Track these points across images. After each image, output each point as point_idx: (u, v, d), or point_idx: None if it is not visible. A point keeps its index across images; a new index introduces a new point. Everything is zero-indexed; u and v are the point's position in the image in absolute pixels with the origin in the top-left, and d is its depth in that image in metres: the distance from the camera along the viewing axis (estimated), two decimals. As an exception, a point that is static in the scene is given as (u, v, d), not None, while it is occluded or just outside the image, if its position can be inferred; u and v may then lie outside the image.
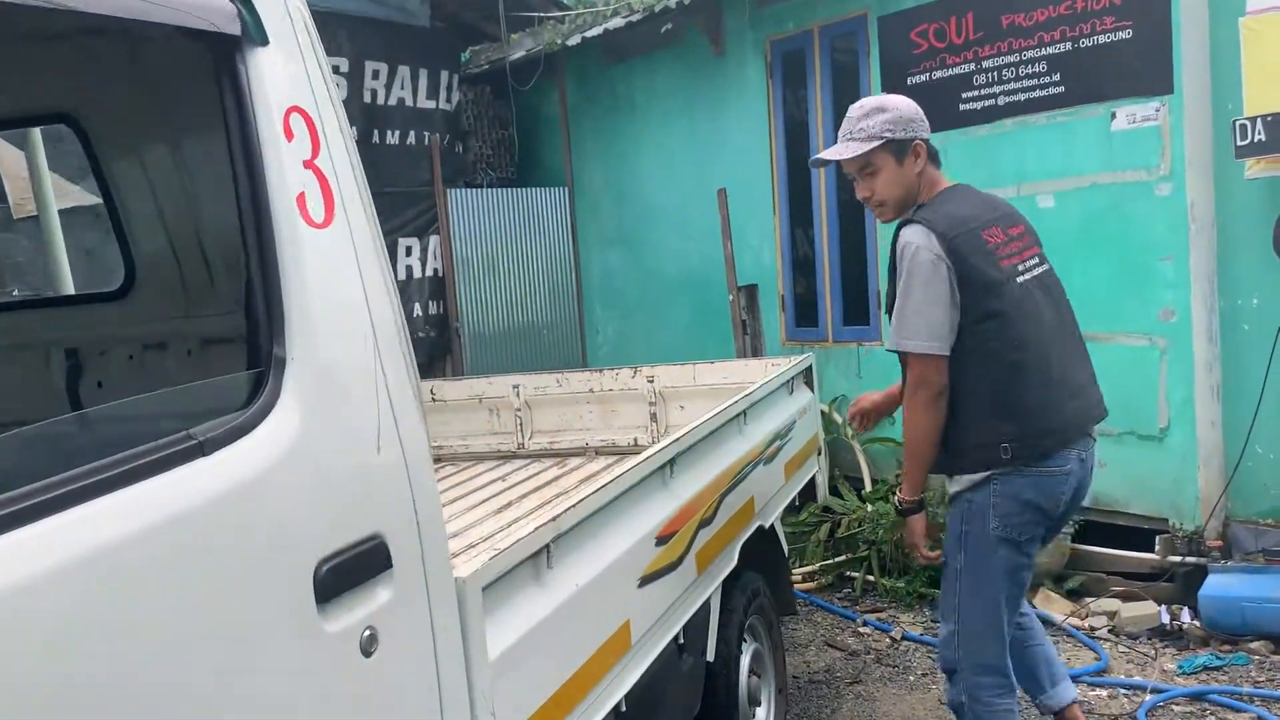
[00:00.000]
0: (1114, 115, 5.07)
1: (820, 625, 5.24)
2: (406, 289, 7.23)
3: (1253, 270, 4.83)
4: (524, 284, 7.81)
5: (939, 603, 3.15)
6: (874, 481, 6.23)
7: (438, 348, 7.36)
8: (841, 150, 2.99)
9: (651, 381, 4.81)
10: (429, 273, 7.38)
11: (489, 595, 1.90)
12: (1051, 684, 3.32)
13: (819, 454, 4.59)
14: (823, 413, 6.48)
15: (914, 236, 2.82)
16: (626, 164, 7.78)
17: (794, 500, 6.71)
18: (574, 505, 2.23)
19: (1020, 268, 2.90)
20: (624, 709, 2.47)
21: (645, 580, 2.56)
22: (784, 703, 3.82)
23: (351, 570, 1.52)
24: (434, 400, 5.04)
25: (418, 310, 7.30)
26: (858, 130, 2.95)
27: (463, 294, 7.45)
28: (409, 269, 7.28)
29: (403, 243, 7.24)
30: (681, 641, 2.88)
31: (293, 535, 1.45)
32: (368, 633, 1.54)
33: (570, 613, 2.17)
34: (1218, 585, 4.51)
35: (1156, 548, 4.93)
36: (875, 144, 2.92)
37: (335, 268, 1.62)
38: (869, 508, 5.91)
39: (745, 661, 3.48)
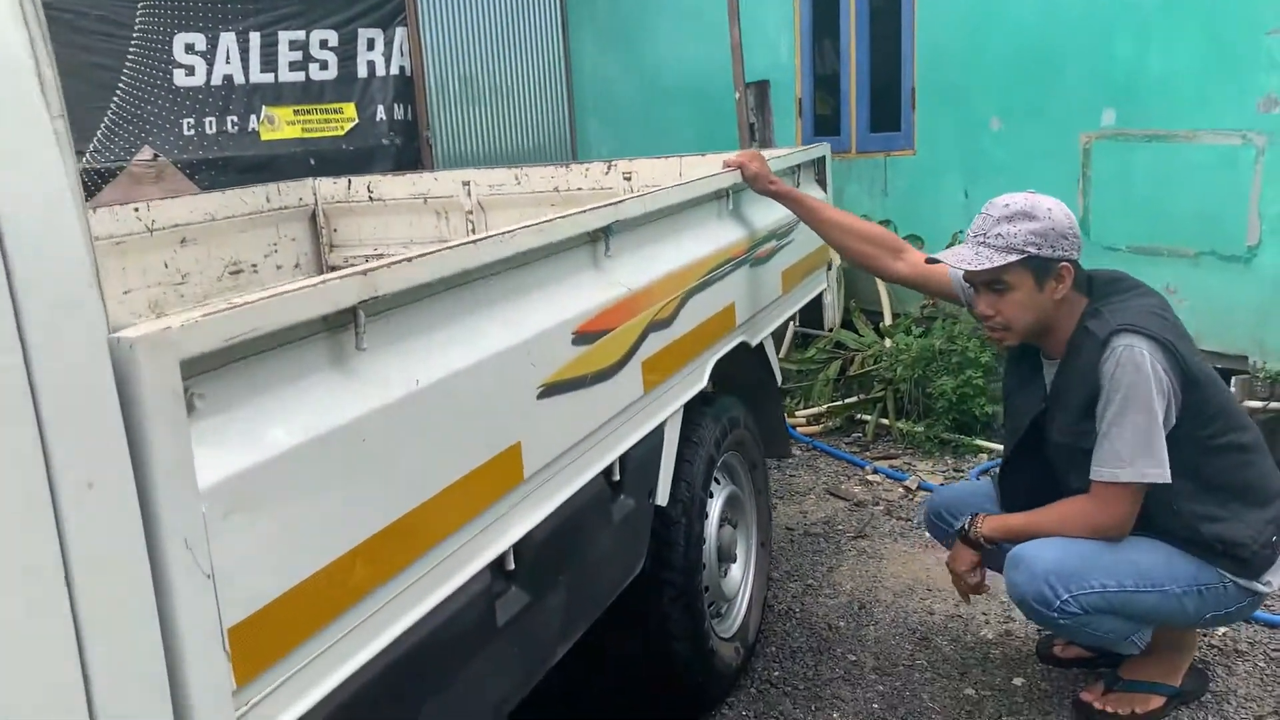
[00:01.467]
0: None
1: (823, 472, 4.52)
2: (368, 88, 6.31)
3: (1384, 49, 3.86)
4: (507, 88, 6.84)
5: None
6: (895, 316, 5.41)
7: (405, 157, 6.48)
8: (970, 257, 2.38)
9: (629, 179, 3.96)
10: (394, 71, 6.43)
11: (213, 382, 1.12)
12: None
13: (829, 270, 3.75)
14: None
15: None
16: (626, -52, 6.72)
17: (799, 333, 5.99)
18: (409, 259, 1.43)
19: None
20: (513, 566, 1.73)
21: (550, 390, 1.78)
22: (766, 558, 3.10)
23: None
24: (371, 200, 4.22)
25: (381, 113, 6.39)
26: (994, 237, 2.36)
27: (434, 96, 6.51)
28: (370, 65, 6.34)
29: (363, 34, 6.29)
30: (617, 479, 2.13)
31: None
32: None
33: (400, 423, 1.39)
34: (1307, 435, 3.71)
35: (1232, 390, 4.10)
36: (1013, 258, 2.34)
37: None
38: (887, 343, 5.11)
39: (716, 509, 2.74)
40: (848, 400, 5.08)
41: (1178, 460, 2.34)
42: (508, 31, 6.75)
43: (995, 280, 2.38)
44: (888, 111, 5.48)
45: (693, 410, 2.66)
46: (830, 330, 5.11)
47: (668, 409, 2.32)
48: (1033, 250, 2.34)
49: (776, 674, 2.91)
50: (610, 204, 2.03)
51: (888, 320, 5.35)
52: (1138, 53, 4.33)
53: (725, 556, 2.79)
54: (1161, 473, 2.29)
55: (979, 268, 2.36)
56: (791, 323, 5.75)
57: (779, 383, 3.24)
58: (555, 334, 1.80)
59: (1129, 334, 2.31)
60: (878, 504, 4.11)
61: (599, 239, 2.03)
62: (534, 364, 1.72)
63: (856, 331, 5.39)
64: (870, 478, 4.40)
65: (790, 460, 4.67)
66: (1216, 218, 4.15)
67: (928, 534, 3.09)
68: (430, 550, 1.47)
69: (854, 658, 2.97)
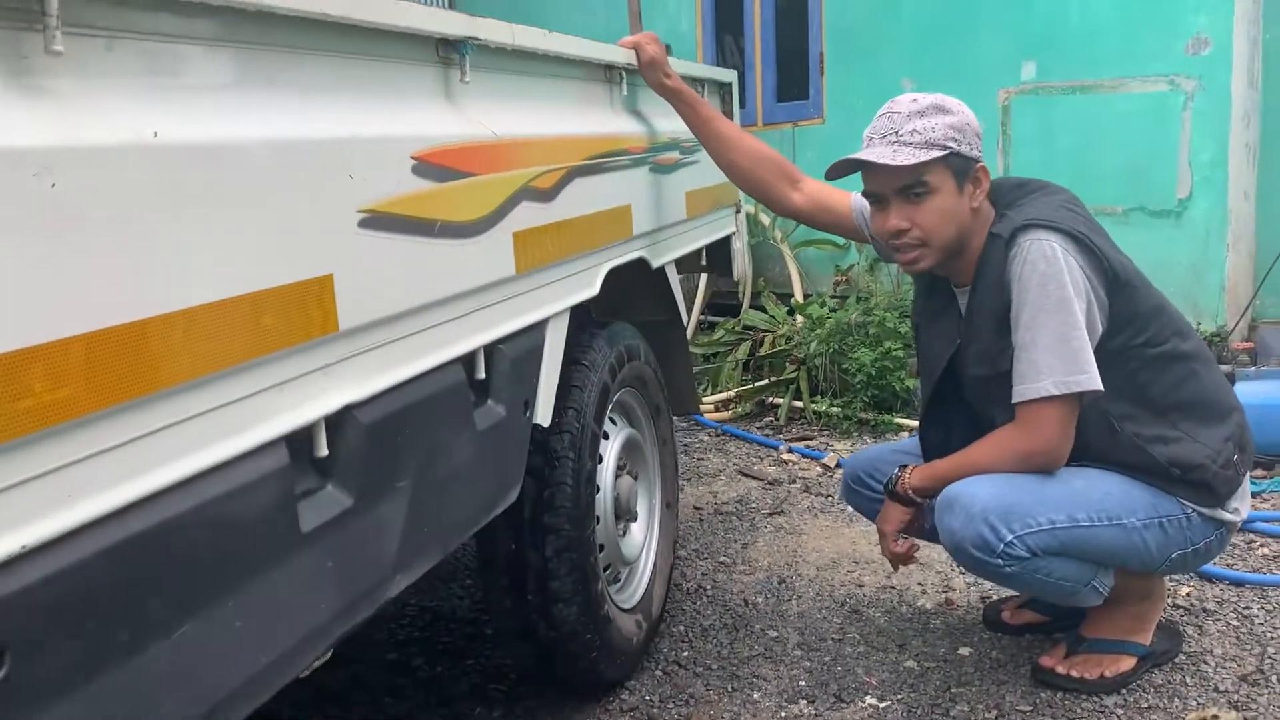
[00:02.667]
0: None
1: (734, 455, 4.11)
2: None
3: (1312, -12, 3.68)
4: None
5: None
6: (806, 295, 5.06)
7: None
8: (889, 154, 2.00)
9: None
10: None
11: None
12: None
13: (738, 212, 3.36)
14: (747, 214, 5.27)
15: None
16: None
17: (705, 320, 5.61)
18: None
19: None
20: (325, 452, 1.26)
21: (380, 222, 1.32)
22: (672, 522, 2.66)
23: None
24: None
25: None
26: (909, 133, 2.01)
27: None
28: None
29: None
30: (482, 376, 1.67)
31: None
32: None
33: (122, 183, 0.92)
34: (1249, 394, 3.43)
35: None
36: (935, 154, 1.99)
37: None
38: (799, 320, 4.75)
39: (612, 453, 2.30)
40: (758, 384, 4.70)
41: (1116, 377, 2.00)
42: None
43: (915, 184, 2.02)
44: (795, 79, 5.17)
45: (584, 329, 2.24)
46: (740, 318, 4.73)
47: (549, 306, 1.87)
48: (953, 145, 2.00)
49: (686, 654, 2.46)
50: (465, 15, 1.58)
51: (799, 298, 5.00)
52: (1057, 0, 4.10)
53: (624, 512, 2.34)
54: (1089, 379, 1.93)
55: (903, 163, 1.98)
56: (694, 307, 5.38)
57: (684, 320, 2.82)
58: (385, 148, 1.35)
59: (1036, 229, 1.98)
60: (794, 482, 3.71)
61: (452, 61, 1.59)
62: (353, 175, 1.26)
63: (766, 312, 5.03)
64: (785, 457, 4.00)
65: (697, 445, 4.25)
66: (1145, 171, 3.91)
67: (849, 507, 2.69)
68: (182, 387, 1.00)
69: (775, 634, 2.54)
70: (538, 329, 1.85)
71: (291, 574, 1.18)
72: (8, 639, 0.84)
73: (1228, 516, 2.09)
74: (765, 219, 5.24)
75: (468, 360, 1.61)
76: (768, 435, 4.31)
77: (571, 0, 6.06)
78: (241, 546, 1.11)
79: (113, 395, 0.92)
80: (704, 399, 4.74)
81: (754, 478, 3.79)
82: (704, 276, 5.26)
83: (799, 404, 4.50)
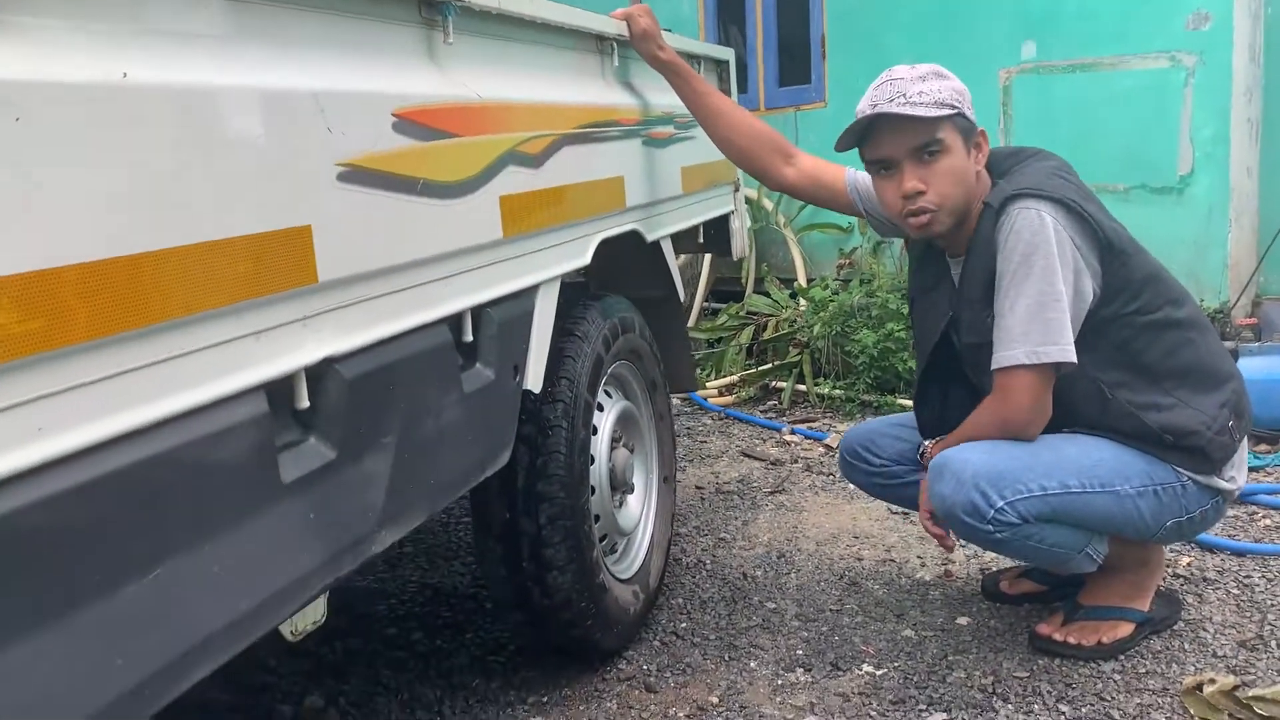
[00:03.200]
0: None
1: (736, 437, 4.10)
2: None
3: (1314, -39, 3.65)
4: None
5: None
6: (809, 279, 5.05)
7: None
8: (909, 109, 1.97)
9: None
10: None
11: None
12: None
13: (736, 191, 3.36)
14: (749, 199, 5.27)
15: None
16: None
17: (708, 307, 5.60)
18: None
19: None
20: (306, 404, 1.26)
21: (360, 176, 1.32)
22: (670, 496, 2.66)
23: None
24: None
25: None
26: (917, 94, 1.99)
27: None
28: None
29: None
30: (469, 339, 1.67)
31: None
32: None
33: (91, 118, 0.93)
34: (1254, 369, 3.42)
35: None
36: (946, 112, 1.98)
37: None
38: (801, 305, 4.74)
39: (607, 424, 2.30)
40: (762, 368, 4.69)
41: (1108, 345, 1.99)
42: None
43: (930, 141, 2.01)
44: (797, 63, 5.16)
45: (576, 299, 2.24)
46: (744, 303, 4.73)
47: (538, 272, 1.88)
48: (959, 107, 2.00)
49: (684, 625, 2.46)
50: (450, -22, 1.59)
51: (802, 283, 4.99)
52: (1059, -27, 4.08)
53: (620, 484, 2.35)
54: (1061, 350, 1.92)
55: (924, 115, 1.97)
56: (698, 292, 5.37)
57: (681, 298, 2.82)
58: (365, 103, 1.35)
59: (1025, 198, 1.96)
60: (796, 462, 3.70)
61: (435, 23, 1.59)
62: (331, 129, 1.27)
63: (769, 297, 5.02)
64: (788, 438, 4.00)
65: (701, 428, 4.26)
66: (1146, 148, 3.89)
67: (848, 482, 2.68)
68: (156, 327, 1.00)
69: (773, 605, 2.54)
70: (527, 295, 1.85)
71: (271, 522, 1.19)
72: (-22, 568, 0.85)
73: (1223, 484, 2.07)
74: (768, 203, 5.23)
75: (455, 321, 1.61)
76: (771, 418, 4.31)
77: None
78: (220, 491, 1.11)
79: (85, 331, 0.92)
80: (708, 384, 4.74)
81: (756, 458, 3.78)
82: (707, 261, 5.26)
83: (802, 387, 4.50)
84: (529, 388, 1.87)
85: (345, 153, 1.30)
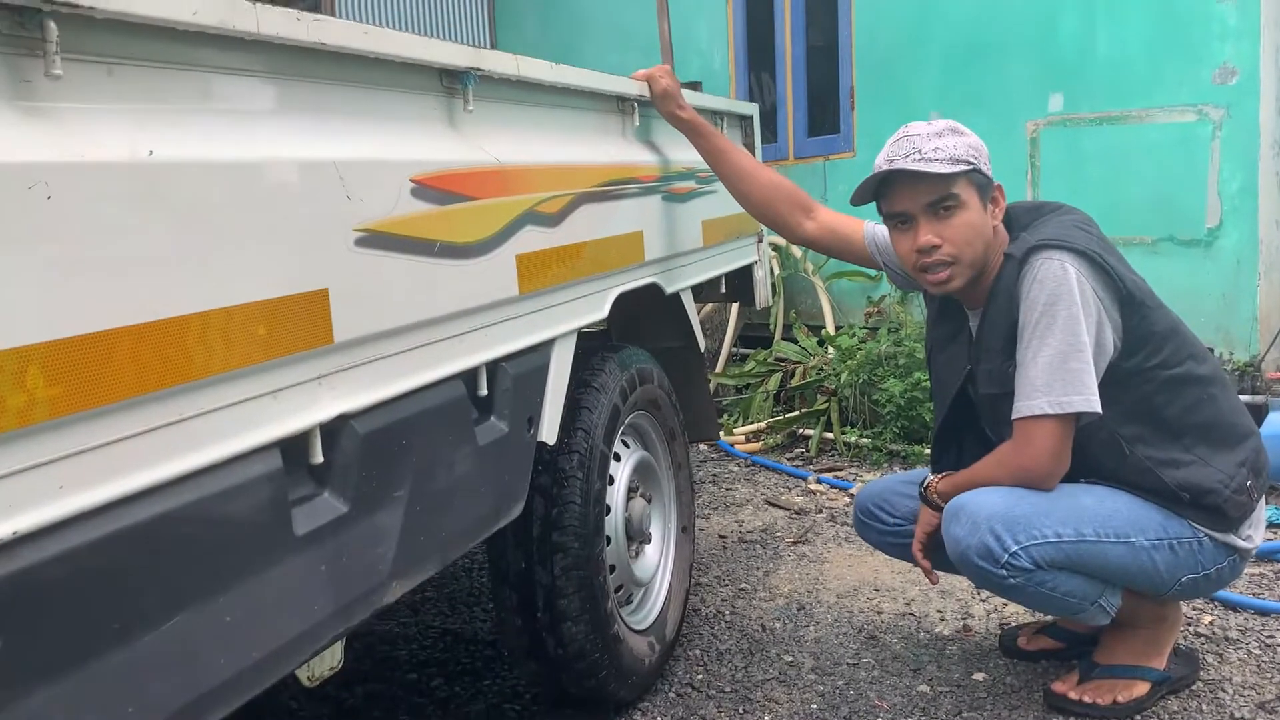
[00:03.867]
0: None
1: (762, 485, 4.12)
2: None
3: (1341, 16, 3.65)
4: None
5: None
6: (838, 327, 5.07)
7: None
8: (922, 165, 2.02)
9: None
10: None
11: None
12: None
13: (759, 242, 3.41)
14: (778, 246, 5.31)
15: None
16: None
17: (736, 352, 5.63)
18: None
19: None
20: (320, 459, 1.31)
21: (377, 241, 1.38)
22: (688, 545, 2.68)
23: None
24: None
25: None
26: (932, 150, 2.03)
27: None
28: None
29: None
30: (484, 393, 1.72)
31: None
32: None
33: (124, 199, 0.99)
34: (1283, 423, 3.39)
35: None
36: (962, 168, 2.02)
37: None
38: (830, 352, 4.76)
39: (624, 474, 2.33)
40: (789, 415, 4.71)
41: (1129, 399, 2.00)
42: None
43: (945, 197, 2.04)
44: (827, 114, 5.23)
45: (594, 351, 2.29)
46: (773, 349, 4.76)
47: (554, 327, 1.93)
48: (975, 162, 2.03)
49: (700, 677, 2.47)
50: (470, 47, 1.66)
51: (830, 330, 5.01)
52: (1084, 31, 4.11)
53: (637, 534, 2.38)
54: (1085, 400, 1.92)
55: (938, 170, 2.01)
56: (726, 338, 5.41)
57: (702, 348, 2.86)
58: (383, 171, 1.41)
59: (1049, 249, 1.98)
60: (820, 512, 3.71)
61: (456, 91, 1.66)
62: (350, 196, 1.33)
63: (797, 344, 5.04)
64: (813, 487, 4.01)
65: (727, 475, 4.27)
66: (1174, 200, 3.89)
67: (860, 538, 2.67)
68: (185, 387, 1.06)
69: (790, 658, 2.54)
70: (543, 349, 1.90)
71: (283, 573, 1.24)
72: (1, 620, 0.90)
73: (1240, 543, 2.07)
74: (797, 250, 5.27)
75: (469, 376, 1.67)
76: (798, 466, 4.32)
77: (610, 44, 6.19)
78: (233, 543, 1.16)
79: (107, 395, 0.98)
80: (735, 430, 4.77)
81: (781, 507, 3.79)
82: (735, 308, 5.30)
83: (830, 435, 4.51)
84: (544, 439, 1.91)
85: (363, 219, 1.36)
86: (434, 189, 1.51)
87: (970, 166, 2.03)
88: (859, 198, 2.16)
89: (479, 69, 1.66)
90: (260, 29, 1.18)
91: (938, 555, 2.25)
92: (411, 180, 1.47)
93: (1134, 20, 3.95)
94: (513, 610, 2.10)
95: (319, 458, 1.31)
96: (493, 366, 1.73)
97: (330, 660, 1.55)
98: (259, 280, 1.18)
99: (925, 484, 2.21)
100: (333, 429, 1.34)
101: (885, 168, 2.07)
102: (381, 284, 1.39)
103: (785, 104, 5.34)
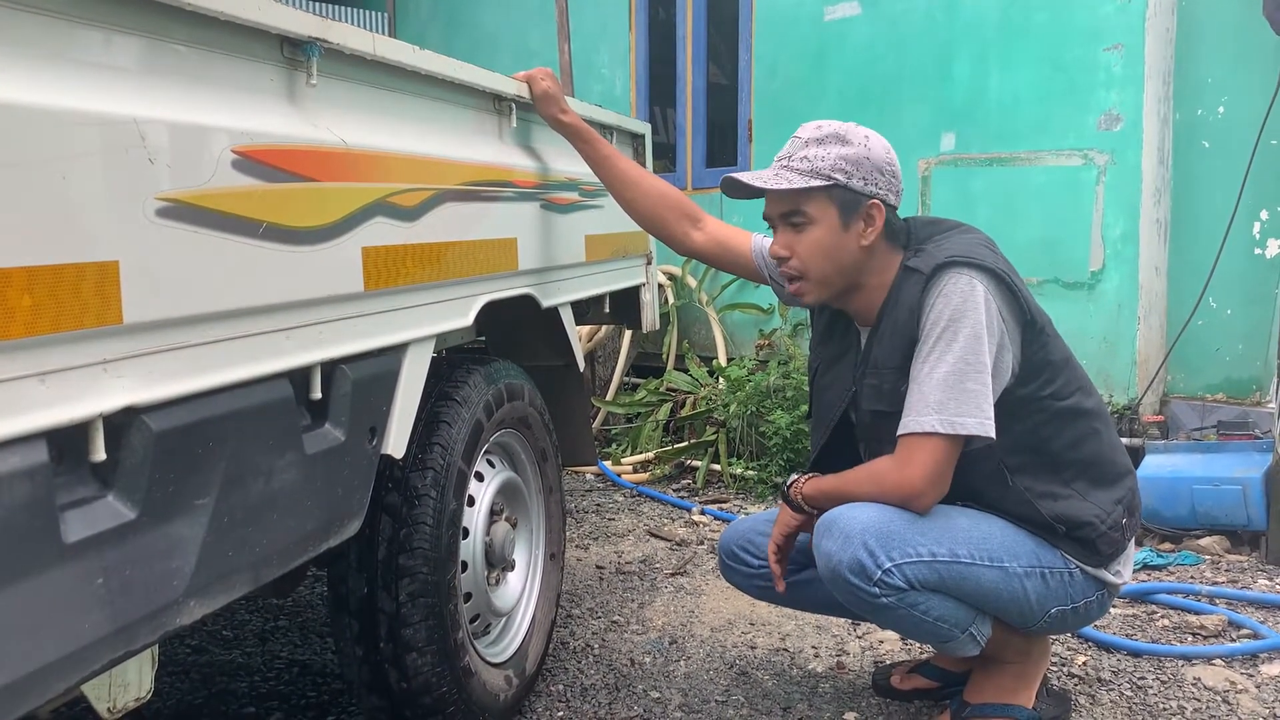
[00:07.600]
0: None
1: (646, 516, 4.00)
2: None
3: (1218, 68, 3.75)
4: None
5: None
6: (729, 358, 5.01)
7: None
8: (768, 178, 1.98)
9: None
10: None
11: None
12: None
13: (649, 264, 3.31)
14: (673, 276, 5.24)
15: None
16: (461, -18, 6.38)
17: (627, 382, 5.52)
18: None
19: None
20: (102, 457, 1.14)
21: (183, 213, 1.23)
22: (557, 574, 2.54)
23: None
24: None
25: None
26: (799, 159, 1.97)
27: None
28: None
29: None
30: (318, 396, 1.56)
31: None
32: None
33: None
34: (1159, 466, 3.42)
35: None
36: (816, 183, 1.95)
37: None
38: (720, 383, 4.69)
39: (486, 495, 2.19)
40: (678, 445, 4.61)
41: (1019, 427, 1.93)
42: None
43: (793, 212, 1.98)
44: (725, 144, 5.19)
45: (458, 362, 2.15)
46: (663, 379, 4.66)
47: (407, 330, 1.78)
48: (840, 178, 1.94)
49: (561, 714, 2.32)
50: (319, 18, 1.52)
51: (722, 361, 4.94)
52: (977, 74, 4.16)
53: (498, 560, 2.23)
54: (979, 424, 1.84)
55: (775, 187, 1.94)
56: (618, 366, 5.30)
57: (582, 368, 2.73)
58: (196, 136, 1.26)
59: (959, 266, 1.90)
60: (702, 544, 3.60)
61: (299, 63, 1.52)
62: (153, 160, 1.17)
63: (689, 374, 4.96)
64: (698, 519, 3.91)
65: (611, 505, 4.15)
66: (1060, 243, 3.93)
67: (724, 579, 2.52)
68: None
69: (657, 694, 2.41)
70: (393, 353, 1.76)
71: (44, 585, 1.06)
72: None
73: (1110, 578, 2.02)
74: (692, 280, 5.21)
75: (300, 376, 1.51)
76: (683, 497, 4.22)
77: (510, 61, 6.09)
78: (-25, 549, 0.99)
79: None
80: (623, 459, 4.65)
81: (663, 538, 3.68)
82: (627, 336, 5.20)
83: (717, 467, 4.42)
84: (389, 452, 1.75)
85: (168, 187, 1.20)
86: (261, 164, 1.37)
87: (829, 183, 1.95)
88: (732, 191, 2.09)
89: (324, 40, 1.52)
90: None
91: (802, 593, 2.16)
92: (234, 151, 1.32)
93: (1024, 64, 4.00)
94: (353, 640, 1.93)
95: (100, 455, 1.14)
96: (329, 368, 1.58)
97: (136, 689, 1.38)
98: (26, 243, 1.02)
99: (789, 483, 2.12)
100: (120, 423, 1.17)
101: (738, 173, 2.02)
102: (188, 263, 1.24)
103: (685, 133, 5.30)
